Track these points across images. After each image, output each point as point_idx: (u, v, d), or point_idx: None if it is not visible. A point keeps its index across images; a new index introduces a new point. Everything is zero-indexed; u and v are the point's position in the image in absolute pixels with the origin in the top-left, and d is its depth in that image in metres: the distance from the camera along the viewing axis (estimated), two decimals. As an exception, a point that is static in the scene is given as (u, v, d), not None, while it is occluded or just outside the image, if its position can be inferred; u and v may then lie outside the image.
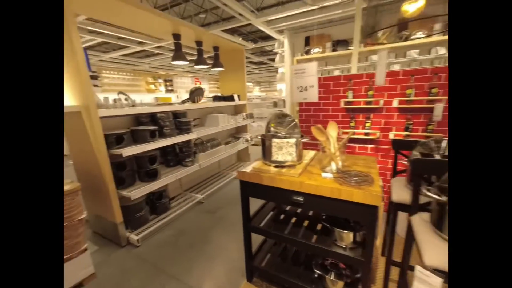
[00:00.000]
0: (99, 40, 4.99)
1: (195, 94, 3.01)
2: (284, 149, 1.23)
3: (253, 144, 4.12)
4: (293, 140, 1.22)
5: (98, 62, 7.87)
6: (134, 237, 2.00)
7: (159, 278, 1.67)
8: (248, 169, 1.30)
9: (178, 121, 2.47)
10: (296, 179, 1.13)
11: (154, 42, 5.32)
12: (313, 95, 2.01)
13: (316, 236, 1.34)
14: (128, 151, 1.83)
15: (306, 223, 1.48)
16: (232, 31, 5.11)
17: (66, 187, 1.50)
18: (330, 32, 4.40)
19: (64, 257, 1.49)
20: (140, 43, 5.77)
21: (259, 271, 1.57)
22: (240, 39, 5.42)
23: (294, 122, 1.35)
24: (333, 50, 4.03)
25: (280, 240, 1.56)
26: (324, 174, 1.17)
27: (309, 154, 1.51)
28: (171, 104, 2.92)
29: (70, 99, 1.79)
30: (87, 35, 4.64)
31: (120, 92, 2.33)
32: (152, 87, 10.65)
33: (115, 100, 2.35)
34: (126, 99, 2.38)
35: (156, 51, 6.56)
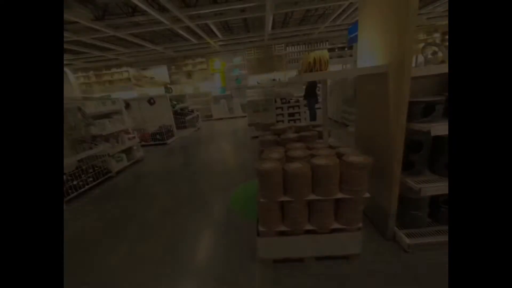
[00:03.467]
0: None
1: None
2: None
3: None
4: None
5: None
6: (404, 237, 1.54)
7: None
8: None
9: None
10: None
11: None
12: None
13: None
14: (440, 128, 1.23)
15: None
16: None
17: (359, 159, 1.34)
18: None
19: (340, 226, 1.45)
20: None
21: None
22: None
23: None
24: None
25: None
26: None
27: None
28: None
29: (377, 58, 1.53)
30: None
31: (427, 44, 1.68)
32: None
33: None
34: (432, 54, 1.69)
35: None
